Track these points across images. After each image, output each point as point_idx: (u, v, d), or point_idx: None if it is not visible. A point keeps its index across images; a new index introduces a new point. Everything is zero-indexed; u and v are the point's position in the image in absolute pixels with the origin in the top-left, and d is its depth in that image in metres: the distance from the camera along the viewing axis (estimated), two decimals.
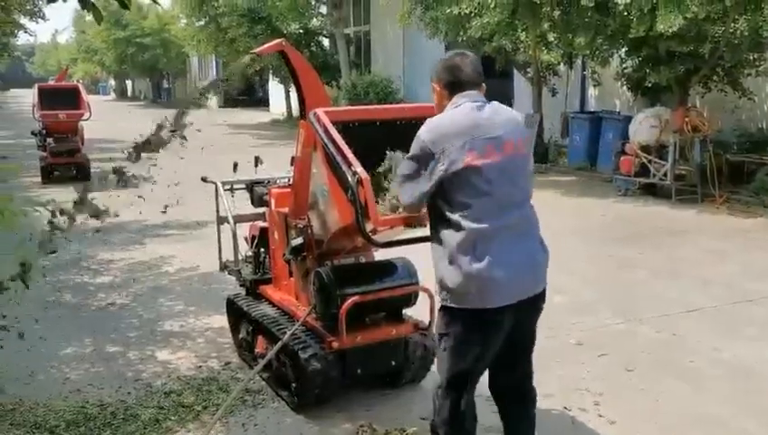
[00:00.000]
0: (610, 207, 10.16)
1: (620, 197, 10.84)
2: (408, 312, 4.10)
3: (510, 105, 13.28)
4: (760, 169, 10.28)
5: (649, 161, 10.54)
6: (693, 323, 5.39)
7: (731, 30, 9.43)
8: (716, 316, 5.58)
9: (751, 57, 10.64)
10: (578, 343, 5.02)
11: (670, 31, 8.64)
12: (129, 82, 55.04)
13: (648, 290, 6.28)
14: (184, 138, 3.54)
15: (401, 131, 3.90)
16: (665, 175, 10.36)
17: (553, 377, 4.42)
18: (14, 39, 20.62)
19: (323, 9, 23.46)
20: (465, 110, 2.80)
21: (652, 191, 10.78)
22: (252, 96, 38.31)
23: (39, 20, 18.59)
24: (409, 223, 3.38)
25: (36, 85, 13.24)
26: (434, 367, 4.27)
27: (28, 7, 16.84)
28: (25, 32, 18.85)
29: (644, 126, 10.62)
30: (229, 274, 5.01)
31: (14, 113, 30.56)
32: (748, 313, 5.65)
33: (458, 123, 2.76)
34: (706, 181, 10.23)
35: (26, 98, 18.05)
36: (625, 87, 13.10)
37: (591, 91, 15.33)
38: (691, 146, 10.38)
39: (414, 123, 3.89)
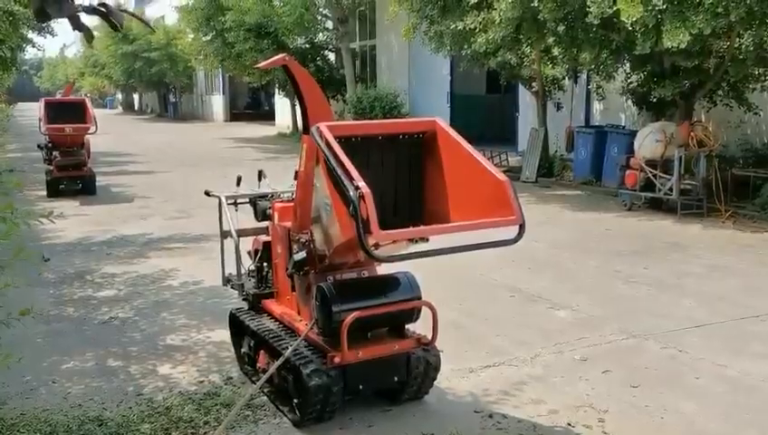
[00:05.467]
0: (615, 222, 10.13)
1: (625, 211, 10.81)
2: (410, 327, 4.08)
3: (515, 119, 13.36)
4: (765, 184, 10.25)
5: (654, 176, 10.52)
6: (698, 340, 5.35)
7: (736, 45, 9.44)
8: (722, 332, 5.53)
9: (756, 72, 10.64)
10: (582, 358, 4.98)
11: (676, 47, 8.65)
12: (136, 96, 55.31)
13: (653, 305, 6.23)
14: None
15: (404, 146, 3.92)
16: (670, 189, 10.33)
17: (558, 393, 4.39)
18: (21, 53, 20.72)
19: (329, 24, 23.58)
20: None
21: (657, 206, 10.75)
22: (258, 110, 38.51)
23: (47, 35, 18.65)
24: (412, 238, 3.37)
25: (42, 99, 13.30)
26: (436, 383, 4.26)
27: (35, 22, 16.97)
28: (33, 46, 18.89)
29: (649, 140, 10.61)
30: (232, 288, 5.00)
31: (21, 127, 30.74)
32: (754, 329, 5.60)
33: None
34: (712, 196, 10.19)
35: (33, 112, 18.13)
36: (630, 101, 13.12)
37: (596, 106, 15.34)
38: (696, 160, 10.36)
39: (416, 138, 3.92)
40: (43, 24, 16.43)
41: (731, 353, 5.03)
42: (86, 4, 2.45)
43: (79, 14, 2.39)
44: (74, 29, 2.44)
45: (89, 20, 2.57)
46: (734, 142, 11.74)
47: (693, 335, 5.44)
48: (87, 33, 2.57)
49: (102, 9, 2.43)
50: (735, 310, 6.02)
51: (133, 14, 3.28)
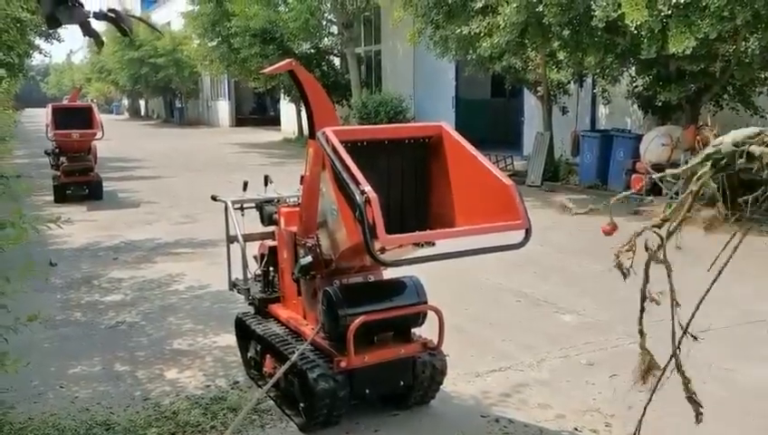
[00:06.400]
0: (621, 226, 10.06)
1: (631, 215, 10.78)
2: (416, 331, 4.08)
3: (520, 124, 13.33)
4: None
5: (661, 180, 10.50)
6: (705, 344, 5.25)
7: (742, 48, 9.42)
8: (729, 337, 5.51)
9: (762, 75, 10.62)
10: (589, 363, 4.97)
11: (682, 52, 8.63)
12: (142, 102, 55.51)
13: (660, 309, 6.21)
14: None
15: (410, 150, 3.93)
16: (676, 193, 10.31)
17: (564, 397, 4.39)
18: (28, 60, 20.86)
19: (334, 29, 23.64)
20: None
21: None
22: (263, 115, 38.61)
23: (54, 41, 18.80)
24: (418, 242, 3.37)
25: (49, 105, 13.35)
26: (442, 387, 4.26)
27: (44, 29, 17.11)
28: (40, 52, 19.04)
29: (655, 144, 10.61)
30: (238, 292, 5.01)
31: (28, 133, 30.87)
32: (761, 334, 5.58)
33: None
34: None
35: (40, 117, 18.27)
36: (635, 105, 13.11)
37: (602, 110, 15.34)
38: None
39: (422, 142, 3.93)
40: (51, 31, 16.54)
41: (739, 358, 5.01)
42: (96, 10, 2.47)
43: (89, 20, 2.41)
44: (85, 35, 2.45)
45: (97, 26, 2.60)
46: None
47: (700, 340, 5.41)
48: (98, 40, 2.59)
49: (112, 15, 2.45)
50: (743, 315, 6.00)
51: (140, 19, 3.30)
